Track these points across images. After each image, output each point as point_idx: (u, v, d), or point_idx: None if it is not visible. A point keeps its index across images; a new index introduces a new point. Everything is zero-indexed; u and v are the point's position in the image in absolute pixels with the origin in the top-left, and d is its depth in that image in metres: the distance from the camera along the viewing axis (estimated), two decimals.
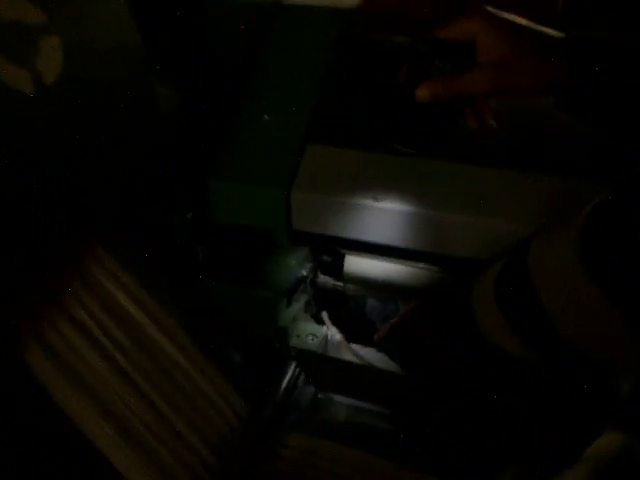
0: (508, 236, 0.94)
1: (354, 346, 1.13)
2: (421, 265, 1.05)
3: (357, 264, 1.12)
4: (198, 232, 1.06)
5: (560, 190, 0.95)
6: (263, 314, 1.05)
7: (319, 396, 1.12)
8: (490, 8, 0.75)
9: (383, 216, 1.00)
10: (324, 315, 1.16)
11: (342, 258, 1.12)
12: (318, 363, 1.12)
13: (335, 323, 1.17)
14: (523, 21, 0.74)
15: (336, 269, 1.14)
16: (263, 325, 1.07)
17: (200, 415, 0.97)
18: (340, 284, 1.15)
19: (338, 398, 1.13)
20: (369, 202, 0.99)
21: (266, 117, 1.10)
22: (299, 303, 1.14)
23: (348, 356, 1.11)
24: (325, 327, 1.15)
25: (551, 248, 0.69)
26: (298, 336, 1.11)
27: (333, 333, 1.14)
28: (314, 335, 1.12)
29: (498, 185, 0.97)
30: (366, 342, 1.15)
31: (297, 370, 1.09)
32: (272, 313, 1.05)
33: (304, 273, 1.12)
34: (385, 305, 1.17)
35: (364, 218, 1.01)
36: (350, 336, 1.17)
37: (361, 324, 1.18)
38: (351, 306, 1.19)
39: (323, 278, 1.16)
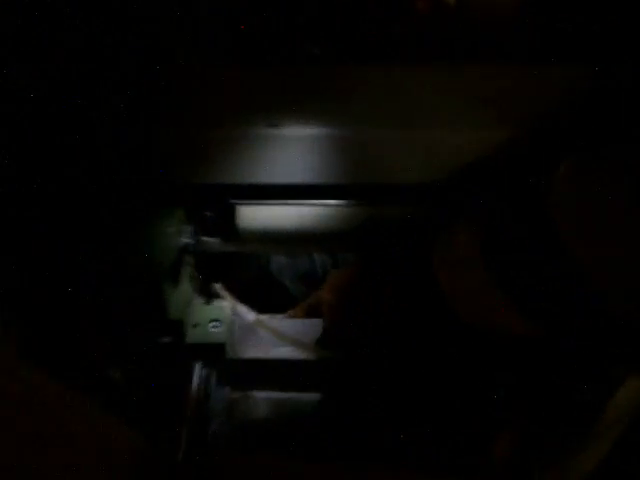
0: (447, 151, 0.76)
1: (273, 321, 0.90)
2: (340, 202, 0.84)
3: (253, 215, 0.87)
4: None
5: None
6: (145, 307, 0.78)
7: (235, 396, 0.88)
8: None
9: (285, 146, 0.76)
10: (218, 288, 0.91)
11: (230, 211, 0.87)
12: (231, 360, 0.87)
13: (237, 297, 0.93)
14: None
15: (223, 227, 0.89)
16: (149, 322, 0.80)
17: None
18: (231, 245, 0.91)
19: (260, 394, 0.88)
20: (265, 130, 0.75)
21: None
22: (186, 281, 0.89)
23: (268, 337, 0.87)
24: (227, 305, 0.88)
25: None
26: (195, 326, 0.83)
27: (242, 311, 0.88)
28: (217, 320, 0.84)
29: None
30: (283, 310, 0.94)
31: (204, 371, 0.83)
32: (157, 303, 0.79)
33: (183, 240, 0.86)
34: (296, 261, 0.95)
35: (260, 153, 0.77)
36: (259, 307, 0.94)
37: (269, 290, 0.96)
38: (251, 271, 0.95)
39: (208, 241, 0.90)
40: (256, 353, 0.86)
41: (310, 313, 0.90)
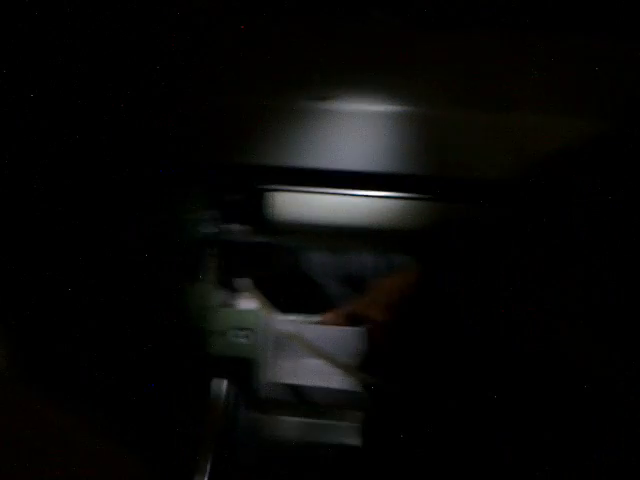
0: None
1: (310, 330, 0.75)
2: (398, 195, 0.71)
3: (289, 203, 0.74)
4: None
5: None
6: (158, 310, 0.65)
7: (263, 419, 0.74)
8: None
9: (335, 124, 0.63)
10: (246, 286, 0.77)
11: (261, 197, 0.74)
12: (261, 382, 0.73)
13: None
14: None
15: (252, 214, 0.76)
16: (161, 327, 0.67)
17: None
18: (261, 236, 0.78)
19: (293, 419, 0.75)
20: (312, 103, 0.62)
21: None
22: (208, 279, 0.76)
23: (305, 356, 0.73)
24: (258, 309, 0.74)
25: None
26: (219, 334, 0.69)
27: (277, 319, 0.75)
28: (246, 329, 0.69)
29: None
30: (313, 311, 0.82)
31: (230, 391, 0.69)
32: (172, 305, 0.66)
33: (204, 229, 0.74)
34: (337, 259, 0.83)
35: (303, 131, 0.64)
36: (287, 307, 0.82)
37: (300, 288, 0.84)
38: (281, 266, 0.83)
39: (234, 230, 0.78)
40: (292, 377, 0.73)
41: (350, 320, 0.79)
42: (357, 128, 0.64)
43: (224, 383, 0.68)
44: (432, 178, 0.68)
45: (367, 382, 0.67)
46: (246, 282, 0.77)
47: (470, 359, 0.64)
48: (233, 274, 0.78)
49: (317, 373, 0.71)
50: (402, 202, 0.70)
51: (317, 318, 0.83)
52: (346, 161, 0.67)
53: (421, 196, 0.73)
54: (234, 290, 0.77)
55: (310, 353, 0.69)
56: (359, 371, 0.69)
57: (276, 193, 0.74)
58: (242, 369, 0.68)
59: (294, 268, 0.84)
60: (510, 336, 0.64)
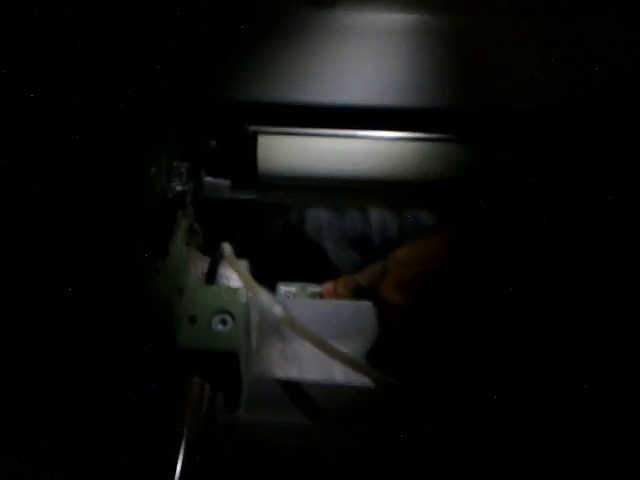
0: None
1: (306, 308, 0.60)
2: (416, 136, 0.56)
3: (281, 148, 0.60)
4: None
5: None
6: (113, 291, 0.51)
7: (247, 420, 0.56)
8: None
9: (339, 42, 0.48)
10: (227, 254, 0.60)
11: (248, 141, 0.59)
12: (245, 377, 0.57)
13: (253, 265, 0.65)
14: None
15: (236, 164, 0.62)
16: (119, 313, 0.52)
17: None
18: (248, 192, 0.64)
19: (282, 420, 0.58)
20: (311, 12, 0.47)
21: None
22: (179, 249, 0.61)
23: (299, 342, 0.56)
24: (240, 286, 0.58)
25: None
26: (193, 320, 0.53)
27: (263, 299, 0.56)
28: (225, 312, 0.53)
29: None
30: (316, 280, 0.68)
31: (205, 390, 0.55)
32: (132, 283, 0.50)
33: (176, 185, 0.59)
34: (342, 218, 0.69)
35: (299, 53, 0.49)
36: (284, 276, 0.68)
37: (300, 253, 0.70)
38: (275, 228, 0.69)
39: (214, 185, 0.63)
40: (283, 370, 0.58)
41: (358, 293, 0.65)
42: (364, 48, 0.49)
43: (197, 380, 0.56)
44: (458, 112, 0.53)
45: (376, 378, 0.55)
46: (227, 249, 0.63)
47: (510, 356, 0.51)
48: (212, 240, 0.64)
49: (313, 364, 0.57)
50: (422, 144, 0.56)
51: (315, 288, 0.69)
52: (351, 93, 0.52)
53: (445, 136, 0.58)
54: (213, 261, 0.63)
55: (305, 339, 0.55)
56: (367, 364, 0.56)
57: (265, 136, 0.59)
58: (219, 364, 0.53)
59: (287, 230, 0.70)
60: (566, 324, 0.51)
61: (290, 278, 0.69)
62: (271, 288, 0.69)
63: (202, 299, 0.55)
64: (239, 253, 0.65)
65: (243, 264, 0.67)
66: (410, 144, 0.56)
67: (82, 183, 0.47)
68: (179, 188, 0.54)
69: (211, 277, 0.65)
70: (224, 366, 0.55)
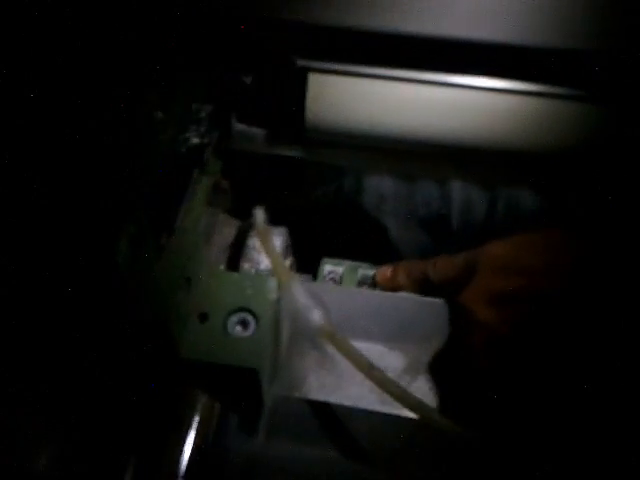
0: None
1: (352, 296, 0.48)
2: (532, 87, 0.41)
3: (338, 92, 0.45)
4: None
5: None
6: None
7: (267, 451, 0.43)
8: None
9: None
10: (258, 217, 0.46)
11: (294, 79, 0.45)
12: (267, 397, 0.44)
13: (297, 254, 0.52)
14: None
15: (277, 110, 0.47)
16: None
17: None
18: (290, 147, 0.50)
19: (311, 452, 0.44)
20: None
21: None
22: (196, 219, 0.46)
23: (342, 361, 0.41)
24: (269, 273, 0.45)
25: None
26: (203, 319, 0.40)
27: (300, 299, 0.42)
28: (246, 311, 0.40)
29: None
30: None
31: (215, 409, 0.42)
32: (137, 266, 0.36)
33: (194, 136, 0.45)
34: (413, 190, 0.54)
35: None
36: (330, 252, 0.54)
37: (355, 229, 0.55)
38: (323, 195, 0.54)
39: (247, 136, 0.49)
40: (317, 390, 0.44)
41: (424, 287, 0.48)
42: None
43: (205, 396, 0.44)
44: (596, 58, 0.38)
45: (442, 426, 0.41)
46: (259, 216, 0.49)
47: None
48: (244, 202, 0.50)
49: (357, 386, 0.43)
50: (534, 100, 0.40)
51: (369, 271, 0.56)
52: (443, 22, 0.37)
53: (571, 92, 0.43)
54: (242, 228, 0.50)
55: (348, 360, 0.39)
56: (425, 405, 0.39)
57: (318, 75, 0.45)
58: (234, 380, 0.40)
59: (339, 198, 0.56)
60: None
61: (339, 254, 0.56)
62: (314, 266, 0.57)
63: (217, 290, 0.42)
64: (277, 221, 0.52)
65: (280, 234, 0.54)
66: (517, 99, 0.40)
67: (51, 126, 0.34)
68: (196, 140, 0.41)
69: (238, 249, 0.53)
70: (241, 383, 0.43)
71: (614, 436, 0.39)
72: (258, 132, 0.47)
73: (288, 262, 0.57)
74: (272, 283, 0.42)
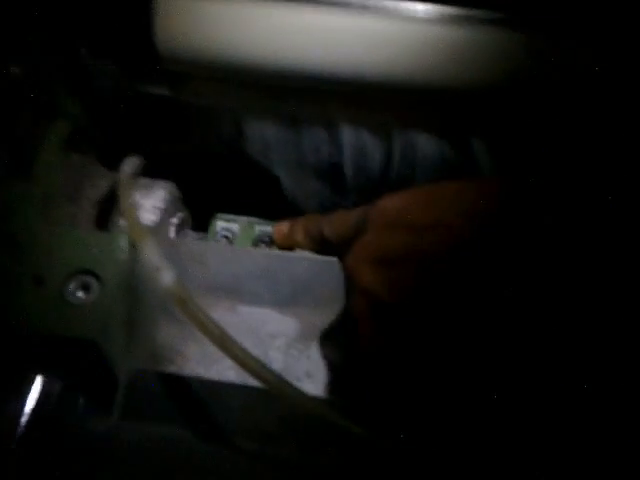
0: None
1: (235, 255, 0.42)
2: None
3: (204, 13, 0.39)
4: None
5: None
6: None
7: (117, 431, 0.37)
8: None
9: None
10: (126, 166, 0.40)
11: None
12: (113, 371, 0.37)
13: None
14: None
15: (128, 33, 0.40)
16: None
17: None
18: (156, 84, 0.43)
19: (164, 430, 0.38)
20: None
21: None
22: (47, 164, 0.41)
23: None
24: (123, 231, 0.38)
25: None
26: (39, 282, 0.33)
27: (149, 258, 0.35)
28: (89, 273, 0.34)
29: None
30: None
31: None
32: None
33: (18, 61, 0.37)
34: (303, 135, 0.48)
35: None
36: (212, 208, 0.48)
37: (239, 181, 0.49)
38: (208, 140, 0.48)
39: (102, 67, 0.42)
40: (178, 364, 0.38)
41: (323, 244, 0.42)
42: None
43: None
44: None
45: (317, 412, 0.35)
46: (128, 165, 0.43)
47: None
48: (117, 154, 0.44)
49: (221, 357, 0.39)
50: (432, 23, 0.35)
51: (266, 227, 0.50)
52: None
53: (485, 13, 0.37)
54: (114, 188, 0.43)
55: (202, 332, 0.33)
56: (303, 394, 0.33)
57: None
58: (72, 354, 0.34)
59: (221, 145, 0.49)
60: None
61: (234, 210, 0.50)
62: (206, 222, 0.51)
63: (56, 250, 0.36)
64: (161, 172, 0.46)
65: (163, 187, 0.48)
66: (416, 23, 0.35)
67: None
68: (17, 70, 0.34)
69: (111, 204, 0.47)
70: (85, 356, 0.37)
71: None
72: (114, 65, 0.41)
73: (177, 218, 0.51)
74: (122, 242, 0.36)
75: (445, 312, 0.34)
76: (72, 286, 0.35)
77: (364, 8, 0.37)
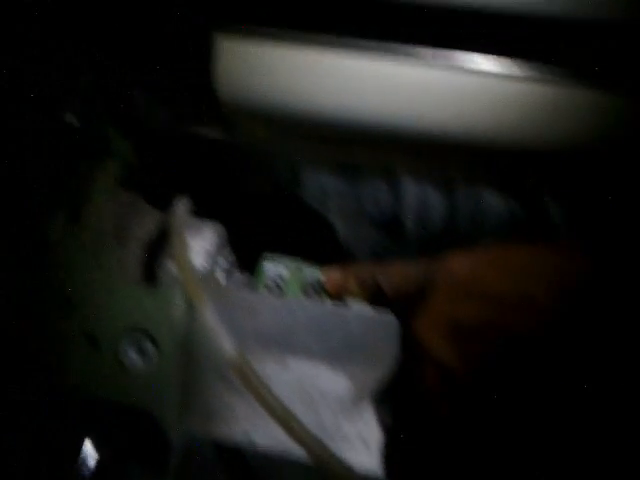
0: None
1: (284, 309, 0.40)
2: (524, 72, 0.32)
3: (268, 60, 0.37)
4: None
5: None
6: None
7: None
8: None
9: None
10: (178, 209, 0.39)
11: (202, 41, 0.36)
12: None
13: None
14: None
15: (187, 77, 0.39)
16: None
17: None
18: (213, 127, 0.41)
19: None
20: None
21: None
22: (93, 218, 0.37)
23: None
24: (178, 290, 0.36)
25: None
26: (93, 343, 0.31)
27: (209, 324, 0.33)
28: (145, 332, 0.32)
29: None
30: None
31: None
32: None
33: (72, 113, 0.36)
34: (362, 186, 0.45)
35: None
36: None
37: (294, 225, 0.48)
38: (263, 185, 0.46)
39: (157, 110, 0.40)
40: (236, 432, 0.36)
41: (378, 296, 0.39)
42: None
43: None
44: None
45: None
46: (180, 207, 0.41)
47: None
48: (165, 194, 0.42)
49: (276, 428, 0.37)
50: (505, 80, 0.33)
51: (317, 273, 0.48)
52: None
53: (557, 73, 0.34)
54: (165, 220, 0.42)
55: (264, 409, 0.31)
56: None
57: (232, 39, 0.36)
58: (134, 419, 0.33)
59: (277, 190, 0.47)
60: None
61: (281, 249, 0.48)
62: (253, 262, 0.49)
63: (110, 306, 0.34)
64: (209, 213, 0.44)
65: (211, 230, 0.46)
66: (489, 80, 0.32)
67: None
68: (71, 119, 0.32)
69: (160, 244, 0.45)
70: (140, 422, 0.36)
71: None
72: (168, 107, 0.39)
73: (224, 260, 0.50)
74: (177, 299, 0.34)
75: (525, 386, 0.33)
76: (127, 348, 0.34)
77: (431, 60, 0.35)
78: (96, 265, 0.38)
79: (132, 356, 0.33)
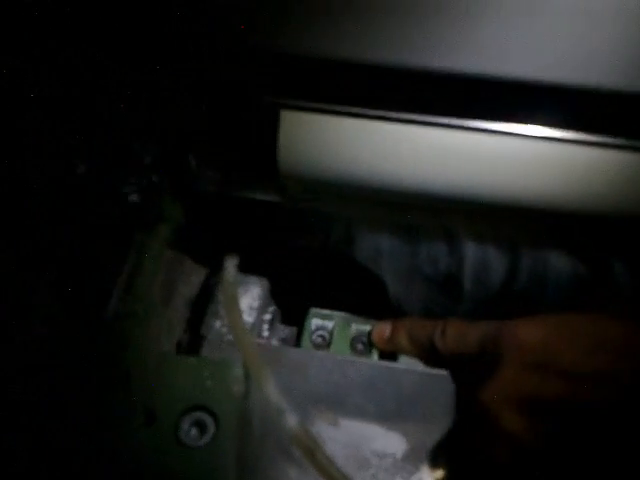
0: None
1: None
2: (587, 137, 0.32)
3: (326, 132, 0.37)
4: None
5: None
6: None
7: None
8: None
9: None
10: (228, 269, 0.39)
11: (265, 116, 0.36)
12: None
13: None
14: None
15: (246, 147, 0.39)
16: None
17: None
18: (270, 193, 0.40)
19: None
20: None
21: None
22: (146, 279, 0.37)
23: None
24: (239, 358, 0.35)
25: None
26: (151, 420, 0.31)
27: (271, 398, 0.33)
28: (203, 409, 0.32)
29: None
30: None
31: None
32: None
33: (134, 190, 0.34)
34: (418, 246, 0.45)
35: None
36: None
37: (347, 283, 0.46)
38: (313, 243, 0.47)
39: (213, 176, 0.41)
40: None
41: (429, 353, 0.39)
42: None
43: None
44: None
45: None
46: (230, 268, 0.41)
47: None
48: (213, 253, 0.42)
49: None
50: (566, 145, 0.33)
51: (364, 326, 0.47)
52: (447, 55, 0.29)
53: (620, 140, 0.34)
54: (211, 278, 0.42)
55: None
56: None
57: (293, 112, 0.36)
58: None
59: (328, 249, 0.47)
60: None
61: (328, 304, 0.48)
62: (300, 317, 0.49)
63: (168, 380, 0.33)
64: (257, 270, 0.44)
65: (258, 285, 0.46)
66: (548, 144, 0.32)
67: None
68: (134, 198, 0.33)
69: (205, 303, 0.45)
70: None
71: None
72: (222, 174, 0.39)
73: (269, 314, 0.49)
74: (237, 372, 0.34)
75: (600, 459, 0.32)
76: (186, 424, 0.34)
77: (480, 130, 0.35)
78: (148, 335, 0.39)
79: (191, 432, 0.34)
